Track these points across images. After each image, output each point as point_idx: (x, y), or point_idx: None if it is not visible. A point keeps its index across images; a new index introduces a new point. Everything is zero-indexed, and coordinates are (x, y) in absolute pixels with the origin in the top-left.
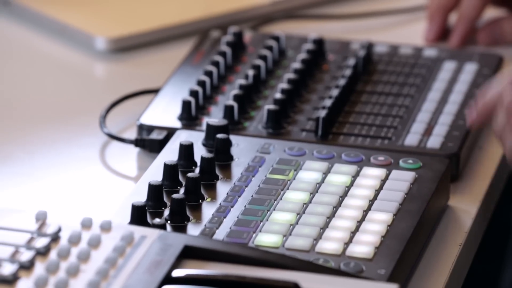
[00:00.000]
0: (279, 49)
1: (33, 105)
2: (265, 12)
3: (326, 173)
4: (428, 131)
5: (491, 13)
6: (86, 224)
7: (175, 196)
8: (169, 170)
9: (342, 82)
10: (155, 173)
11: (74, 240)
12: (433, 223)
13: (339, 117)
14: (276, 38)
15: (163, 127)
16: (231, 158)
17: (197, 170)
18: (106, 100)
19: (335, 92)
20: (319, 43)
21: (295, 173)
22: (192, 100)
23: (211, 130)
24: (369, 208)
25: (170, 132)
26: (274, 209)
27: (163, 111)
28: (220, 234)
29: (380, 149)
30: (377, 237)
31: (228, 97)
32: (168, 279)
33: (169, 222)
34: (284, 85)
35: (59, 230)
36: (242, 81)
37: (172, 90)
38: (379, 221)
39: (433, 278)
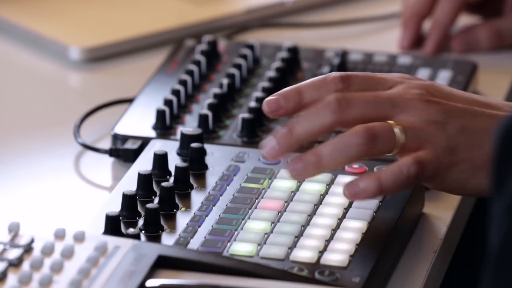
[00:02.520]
0: (253, 58)
1: (7, 115)
2: (240, 21)
3: (300, 181)
4: None
5: (465, 20)
6: (59, 235)
7: (149, 205)
8: (143, 180)
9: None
10: (129, 183)
11: (47, 251)
12: (408, 231)
13: None
14: (251, 47)
15: (137, 136)
16: (205, 167)
17: (172, 179)
18: (80, 110)
19: None
20: (294, 51)
21: (269, 181)
22: (167, 109)
23: (186, 139)
24: (343, 216)
25: (145, 142)
26: (249, 218)
27: (138, 121)
28: (195, 243)
29: None
30: (351, 245)
31: (202, 106)
32: None
33: (143, 232)
34: (258, 93)
35: (32, 241)
36: (216, 90)
37: (146, 99)
38: (353, 229)
39: (408, 285)
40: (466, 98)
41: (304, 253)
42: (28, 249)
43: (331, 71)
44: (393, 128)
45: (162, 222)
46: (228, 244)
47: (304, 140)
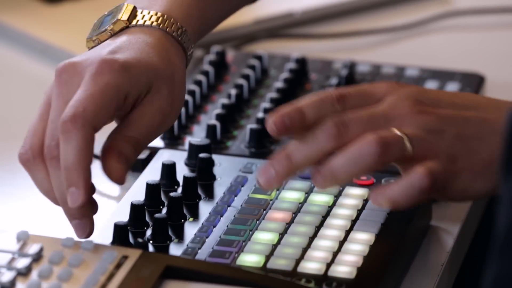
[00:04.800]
0: (261, 68)
1: (16, 124)
2: (248, 32)
3: (308, 192)
4: None
5: None
6: (68, 244)
7: (157, 215)
8: (151, 190)
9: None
10: (137, 193)
11: (56, 260)
12: (415, 243)
13: None
14: (259, 58)
15: None
16: (213, 177)
17: (180, 189)
18: None
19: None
20: (302, 62)
21: (277, 192)
22: None
23: (194, 150)
24: (351, 228)
25: (153, 152)
26: (257, 229)
27: None
28: (203, 254)
29: None
30: (359, 257)
31: (210, 116)
32: None
33: (151, 242)
34: (266, 104)
35: (41, 250)
36: (224, 101)
37: None
38: (361, 241)
39: None
40: (454, 102)
41: (312, 265)
42: (36, 258)
43: (339, 82)
44: (402, 136)
45: (170, 232)
46: (236, 255)
47: (303, 167)
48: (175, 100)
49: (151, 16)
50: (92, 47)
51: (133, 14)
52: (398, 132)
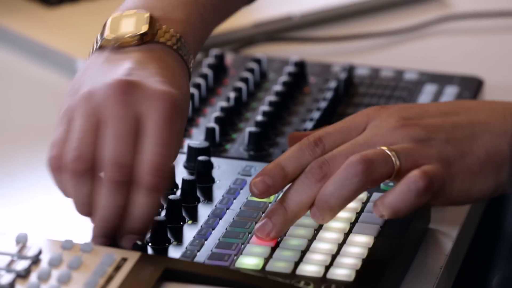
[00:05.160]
0: (260, 72)
1: (14, 127)
2: (247, 35)
3: None
4: None
5: None
6: (67, 247)
7: (156, 218)
8: None
9: (323, 104)
10: None
11: (55, 262)
12: (414, 246)
13: None
14: (258, 61)
15: None
16: (212, 180)
17: (178, 192)
18: None
19: (316, 115)
20: (301, 65)
21: (276, 195)
22: None
23: (193, 152)
24: (350, 231)
25: None
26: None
27: None
28: (201, 256)
29: None
30: (358, 260)
31: (209, 119)
32: None
33: (150, 244)
34: (265, 107)
35: (40, 252)
36: (223, 104)
37: None
38: (360, 244)
39: None
40: (440, 110)
41: (311, 268)
42: (35, 260)
43: (337, 86)
44: (386, 151)
45: (169, 235)
46: (235, 257)
47: (299, 214)
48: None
49: (166, 33)
50: (108, 47)
51: (152, 25)
52: (382, 148)
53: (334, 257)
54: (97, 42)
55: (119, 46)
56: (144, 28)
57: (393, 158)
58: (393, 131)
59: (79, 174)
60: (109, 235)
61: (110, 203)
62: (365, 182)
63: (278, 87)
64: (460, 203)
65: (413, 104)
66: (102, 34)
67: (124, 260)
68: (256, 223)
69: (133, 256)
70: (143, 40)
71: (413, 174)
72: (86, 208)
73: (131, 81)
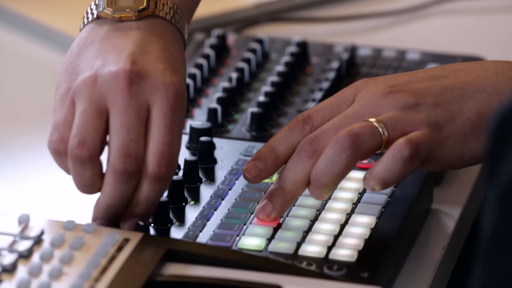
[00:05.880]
0: (262, 52)
1: (17, 108)
2: (249, 15)
3: None
4: None
5: None
6: (69, 227)
7: None
8: None
9: (325, 85)
10: None
11: (57, 243)
12: (416, 226)
13: None
14: (260, 41)
15: None
16: (214, 161)
17: (181, 173)
18: None
19: (318, 95)
20: (303, 46)
21: (278, 176)
22: None
23: (195, 133)
24: (352, 211)
25: None
26: None
27: None
28: (204, 237)
29: None
30: (360, 241)
31: (211, 100)
32: (151, 283)
33: (152, 225)
34: (267, 88)
35: (42, 233)
36: (225, 84)
37: None
38: (362, 224)
39: (416, 281)
40: (429, 74)
41: (313, 248)
42: (38, 241)
43: (340, 66)
44: (374, 123)
45: (171, 215)
46: (237, 238)
47: (296, 192)
48: None
49: (165, 5)
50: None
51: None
52: (369, 120)
53: (336, 237)
54: (92, 12)
55: (118, 20)
56: (143, 3)
57: (380, 130)
58: (380, 100)
59: (82, 160)
60: (112, 220)
61: (115, 192)
62: (354, 157)
63: (280, 68)
64: (454, 166)
65: (403, 73)
66: (96, 3)
67: (126, 240)
68: (258, 203)
69: (135, 237)
70: (142, 15)
71: (397, 143)
72: (88, 189)
73: (137, 71)
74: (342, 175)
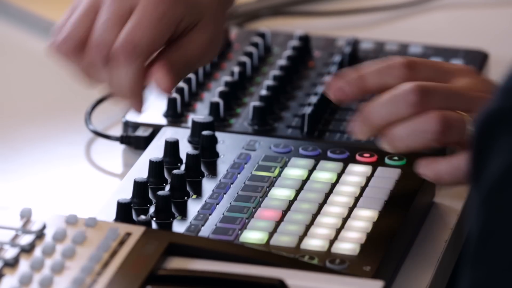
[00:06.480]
0: (264, 46)
1: (19, 102)
2: (251, 9)
3: (311, 170)
4: None
5: None
6: (71, 221)
7: (160, 193)
8: (155, 167)
9: (328, 78)
10: (140, 170)
11: (59, 237)
12: (418, 220)
13: (325, 114)
14: (262, 35)
15: (148, 124)
16: (216, 155)
17: (183, 167)
18: (91, 97)
19: (321, 89)
20: (305, 39)
21: (280, 170)
22: (178, 97)
23: (197, 127)
24: (354, 205)
25: (156, 129)
26: (260, 206)
27: (149, 108)
28: (206, 231)
29: (366, 146)
30: (362, 234)
31: (213, 93)
32: (153, 277)
33: (154, 219)
34: (269, 81)
35: (44, 227)
36: (227, 78)
37: None
38: (364, 218)
39: (418, 274)
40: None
41: (315, 242)
42: (40, 235)
43: (342, 60)
44: (466, 121)
45: (173, 209)
46: (239, 231)
47: (382, 127)
48: (215, 39)
49: None
50: None
51: None
52: (466, 116)
53: (338, 231)
54: None
55: None
56: None
57: (469, 128)
58: (480, 101)
59: (67, 53)
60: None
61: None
62: (436, 142)
63: (282, 62)
64: None
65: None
66: None
67: (128, 234)
68: (260, 197)
69: (137, 231)
70: None
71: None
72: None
73: None
74: (411, 149)
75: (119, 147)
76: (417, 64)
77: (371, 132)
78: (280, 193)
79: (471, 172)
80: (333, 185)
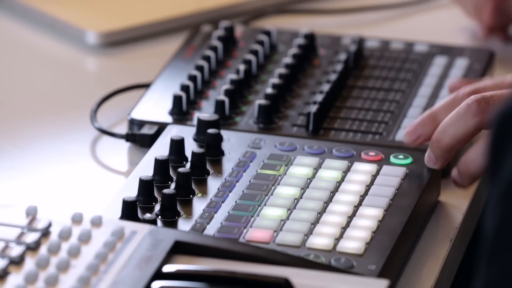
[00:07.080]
0: (270, 44)
1: (24, 100)
2: (257, 7)
3: (317, 168)
4: None
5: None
6: (77, 219)
7: (166, 191)
8: (160, 165)
9: (333, 77)
10: (146, 168)
11: (65, 235)
12: (424, 219)
13: (330, 112)
14: (267, 33)
15: (154, 121)
16: (222, 153)
17: (188, 165)
18: (97, 94)
19: (326, 87)
20: (310, 38)
21: (286, 168)
22: (183, 95)
23: (202, 125)
24: (360, 204)
25: (161, 127)
26: (265, 205)
27: (154, 106)
28: (211, 229)
29: (371, 144)
30: (367, 233)
31: (219, 92)
32: (159, 275)
33: (159, 217)
34: (275, 80)
35: (50, 225)
36: (233, 76)
37: (163, 84)
38: (370, 217)
39: (424, 273)
40: None
41: (320, 240)
42: (45, 233)
43: (347, 58)
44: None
45: (178, 207)
46: (244, 230)
47: (454, 146)
48: None
49: None
50: None
51: None
52: (503, 93)
53: (344, 229)
54: None
55: None
56: None
57: None
58: None
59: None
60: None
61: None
62: (476, 123)
63: (287, 60)
64: None
65: None
66: None
67: (133, 233)
68: (265, 196)
69: (142, 229)
70: None
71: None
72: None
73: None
74: (461, 140)
75: (125, 145)
76: (479, 90)
77: (445, 155)
78: (285, 191)
79: (488, 169)
80: (338, 184)
